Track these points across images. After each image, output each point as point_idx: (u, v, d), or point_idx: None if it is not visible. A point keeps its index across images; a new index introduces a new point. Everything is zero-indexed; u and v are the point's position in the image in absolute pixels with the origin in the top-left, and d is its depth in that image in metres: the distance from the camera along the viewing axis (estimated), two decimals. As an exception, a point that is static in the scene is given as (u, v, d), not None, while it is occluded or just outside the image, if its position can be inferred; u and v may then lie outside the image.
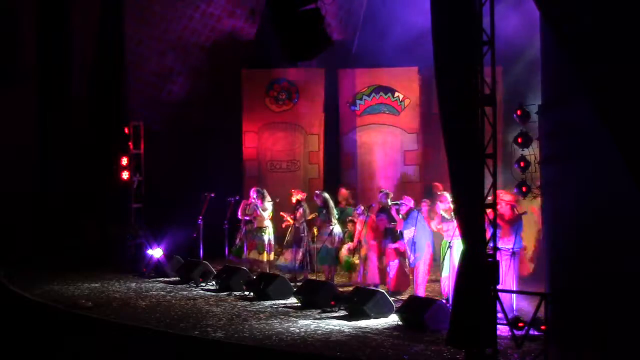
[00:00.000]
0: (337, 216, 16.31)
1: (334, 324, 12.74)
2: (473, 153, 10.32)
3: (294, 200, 16.89)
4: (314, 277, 15.64)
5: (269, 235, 17.08)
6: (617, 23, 9.34)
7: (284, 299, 14.70)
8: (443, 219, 13.73)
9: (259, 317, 13.22)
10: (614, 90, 9.46)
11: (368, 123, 19.72)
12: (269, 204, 17.22)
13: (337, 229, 16.15)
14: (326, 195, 16.56)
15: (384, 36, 18.21)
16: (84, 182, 20.33)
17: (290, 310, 13.88)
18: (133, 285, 16.58)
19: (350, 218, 16.28)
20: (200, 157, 20.31)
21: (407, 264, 14.87)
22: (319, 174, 20.00)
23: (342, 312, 13.46)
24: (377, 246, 15.52)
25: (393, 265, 14.95)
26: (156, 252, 17.75)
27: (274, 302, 14.50)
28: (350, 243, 16.02)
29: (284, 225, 16.93)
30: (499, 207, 12.32)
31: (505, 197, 12.40)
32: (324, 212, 16.26)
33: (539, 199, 11.54)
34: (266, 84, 20.35)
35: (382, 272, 15.48)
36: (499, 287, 10.53)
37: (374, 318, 12.94)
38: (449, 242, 13.56)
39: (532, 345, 10.80)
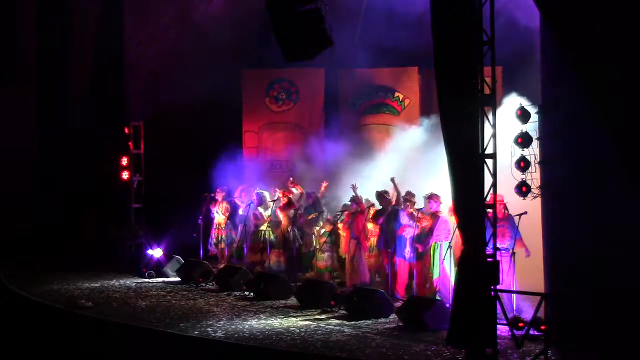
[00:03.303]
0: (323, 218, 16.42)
1: (334, 324, 12.75)
2: (473, 153, 10.33)
3: (284, 199, 16.95)
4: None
5: (268, 236, 17.12)
6: (617, 23, 9.35)
7: (284, 299, 14.70)
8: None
9: (259, 317, 13.22)
10: (613, 89, 9.47)
11: (368, 123, 19.69)
12: (269, 203, 17.25)
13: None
14: (316, 194, 16.67)
15: (384, 36, 18.18)
16: (84, 182, 20.33)
17: (290, 310, 13.88)
18: (133, 285, 16.58)
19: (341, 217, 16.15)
20: (200, 158, 20.31)
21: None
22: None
23: (342, 312, 13.47)
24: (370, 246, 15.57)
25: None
26: (156, 252, 17.75)
27: (273, 302, 14.50)
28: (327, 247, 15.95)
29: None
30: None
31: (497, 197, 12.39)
32: (323, 211, 16.33)
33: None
34: (266, 84, 20.35)
35: (374, 272, 15.52)
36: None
37: (374, 318, 12.93)
38: (449, 243, 13.56)
39: (532, 345, 10.80)
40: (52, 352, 12.53)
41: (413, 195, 14.70)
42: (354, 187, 15.89)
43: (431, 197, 13.91)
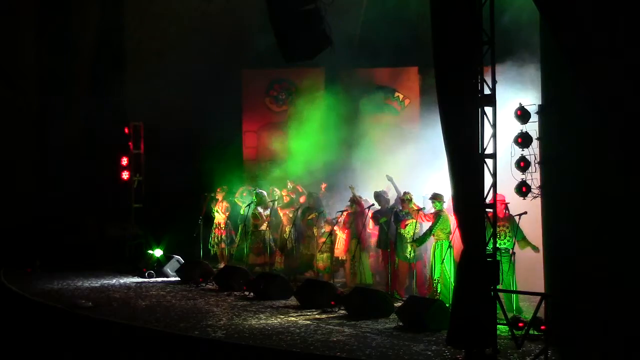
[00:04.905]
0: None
1: (334, 324, 12.74)
2: (473, 153, 10.33)
3: (286, 199, 16.94)
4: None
5: (268, 237, 17.12)
6: (616, 26, 9.35)
7: (284, 299, 14.70)
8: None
9: (259, 317, 13.23)
10: (613, 89, 9.47)
11: (368, 123, 19.67)
12: (269, 203, 17.27)
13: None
14: (317, 194, 16.72)
15: (384, 36, 18.19)
16: (84, 182, 20.34)
17: (290, 310, 13.88)
18: (133, 285, 16.59)
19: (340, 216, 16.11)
20: (199, 157, 20.34)
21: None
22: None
23: (342, 312, 13.47)
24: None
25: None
26: (156, 252, 17.77)
27: (274, 302, 14.51)
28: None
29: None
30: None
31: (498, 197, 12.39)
32: (323, 212, 16.34)
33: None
34: (266, 84, 20.37)
35: (374, 272, 15.54)
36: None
37: (374, 318, 12.93)
38: (449, 243, 13.55)
39: (532, 345, 10.80)
40: (52, 352, 12.52)
41: (411, 195, 14.68)
42: (352, 188, 15.90)
43: (435, 198, 13.88)
